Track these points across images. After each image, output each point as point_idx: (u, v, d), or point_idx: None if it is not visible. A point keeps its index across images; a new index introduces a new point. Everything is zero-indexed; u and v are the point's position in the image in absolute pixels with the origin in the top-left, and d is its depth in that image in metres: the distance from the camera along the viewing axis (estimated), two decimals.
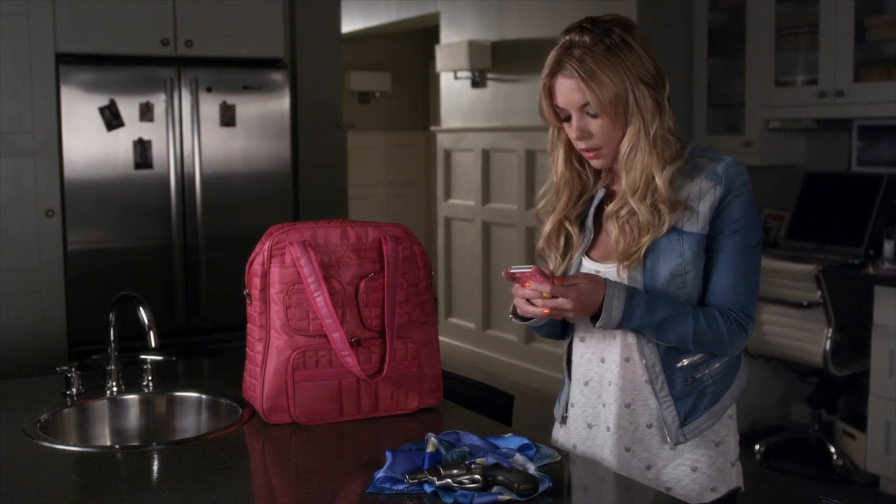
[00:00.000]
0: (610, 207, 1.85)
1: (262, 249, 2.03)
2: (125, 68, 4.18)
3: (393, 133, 9.09)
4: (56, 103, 4.07)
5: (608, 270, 1.84)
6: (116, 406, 2.26)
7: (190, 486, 1.73)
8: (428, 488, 1.60)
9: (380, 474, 1.64)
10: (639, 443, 1.86)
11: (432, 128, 7.34)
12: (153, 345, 2.18)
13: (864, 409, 4.20)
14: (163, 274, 4.28)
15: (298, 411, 2.01)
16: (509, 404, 2.26)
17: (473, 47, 6.20)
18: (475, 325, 6.60)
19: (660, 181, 1.77)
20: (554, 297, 1.72)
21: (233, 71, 4.36)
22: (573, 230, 1.92)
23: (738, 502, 1.93)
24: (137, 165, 4.18)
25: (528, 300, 1.77)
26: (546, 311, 1.74)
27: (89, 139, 4.12)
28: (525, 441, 1.78)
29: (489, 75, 6.34)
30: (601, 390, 1.89)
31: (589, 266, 1.88)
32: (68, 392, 2.22)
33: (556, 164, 1.92)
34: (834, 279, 4.19)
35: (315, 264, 2.00)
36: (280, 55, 4.50)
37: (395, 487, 1.62)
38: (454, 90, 6.71)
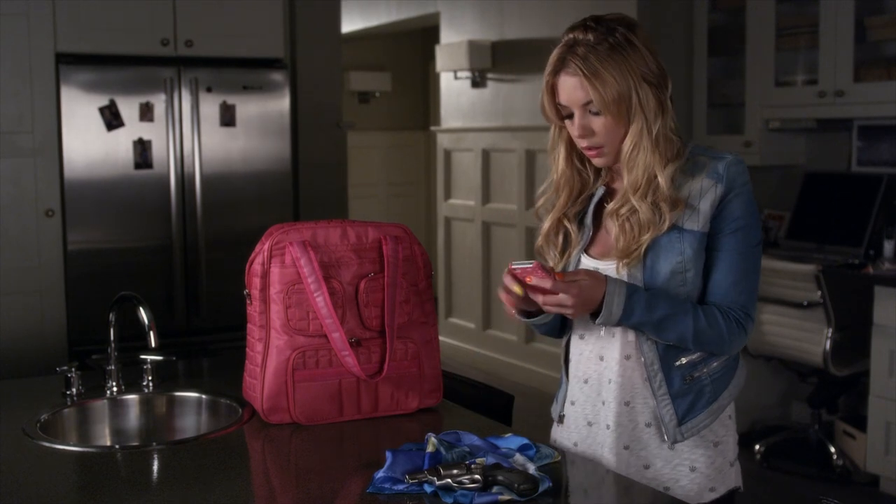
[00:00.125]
0: (610, 206, 1.85)
1: (262, 249, 2.03)
2: (125, 68, 4.19)
3: (393, 133, 9.09)
4: (56, 103, 4.07)
5: (607, 268, 1.84)
6: (116, 406, 2.26)
7: (190, 486, 1.73)
8: (428, 488, 1.60)
9: (380, 474, 1.64)
10: (637, 441, 1.86)
11: (432, 128, 7.34)
12: (153, 345, 2.18)
13: (864, 409, 4.20)
14: (163, 274, 4.28)
15: (298, 411, 2.01)
16: (509, 404, 2.26)
17: (473, 47, 6.20)
18: (475, 325, 6.60)
19: (662, 180, 1.77)
20: (555, 292, 1.72)
21: (233, 71, 4.36)
22: (572, 228, 1.92)
23: (737, 502, 1.93)
24: (137, 165, 4.19)
25: (528, 297, 1.77)
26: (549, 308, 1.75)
27: (89, 139, 4.12)
28: (525, 441, 1.78)
29: (489, 75, 6.35)
30: (600, 388, 1.89)
31: (588, 263, 1.88)
32: (68, 392, 2.22)
33: (557, 162, 1.92)
34: (834, 279, 4.19)
35: (315, 264, 2.00)
36: (280, 55, 4.50)
37: (395, 487, 1.62)
38: (454, 90, 6.72)
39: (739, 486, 1.92)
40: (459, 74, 6.54)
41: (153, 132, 4.21)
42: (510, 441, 1.78)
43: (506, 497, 1.57)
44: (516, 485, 1.57)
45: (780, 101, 4.80)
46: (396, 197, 9.13)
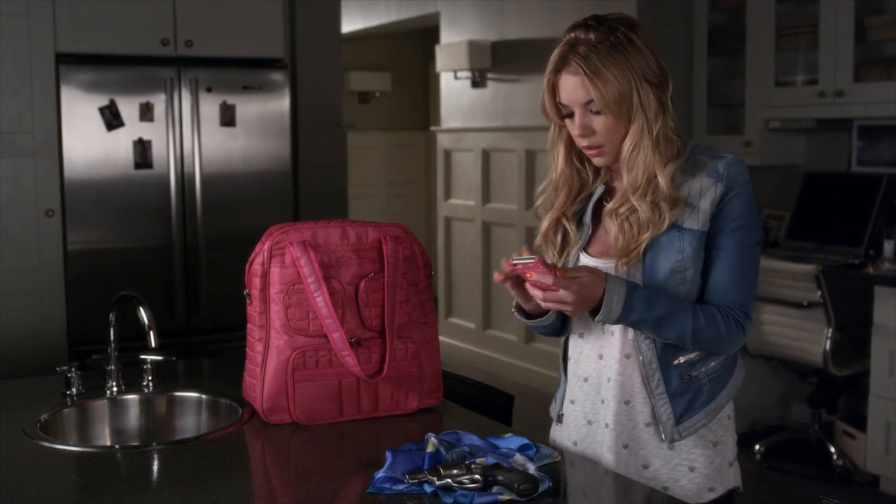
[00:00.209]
0: (610, 205, 1.85)
1: (262, 249, 2.03)
2: (125, 68, 4.19)
3: (393, 133, 9.09)
4: (56, 103, 4.08)
5: (606, 266, 1.84)
6: (116, 406, 2.26)
7: (190, 486, 1.73)
8: (428, 488, 1.60)
9: (380, 474, 1.64)
10: (636, 441, 1.86)
11: (432, 128, 7.34)
12: (153, 345, 2.18)
13: (864, 409, 4.20)
14: (163, 274, 4.28)
15: (298, 411, 2.01)
16: (509, 404, 2.26)
17: (473, 47, 6.20)
18: (475, 325, 6.60)
19: (662, 179, 1.78)
20: (555, 289, 1.72)
21: (233, 71, 4.36)
22: (570, 227, 1.92)
23: (736, 502, 1.93)
24: (137, 165, 4.19)
25: (525, 292, 1.77)
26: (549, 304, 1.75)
27: (89, 139, 4.12)
28: (525, 441, 1.78)
29: (489, 75, 6.35)
30: (600, 386, 1.89)
31: (586, 262, 1.88)
32: (68, 392, 2.22)
33: (556, 162, 1.92)
34: (834, 279, 4.19)
35: (315, 264, 2.00)
36: (280, 55, 4.50)
37: (395, 487, 1.62)
38: (454, 90, 6.72)
39: (738, 486, 1.92)
40: (459, 74, 6.54)
41: (153, 132, 4.21)
42: (510, 441, 1.78)
43: (506, 497, 1.57)
44: (516, 485, 1.57)
45: (780, 101, 4.80)
46: (396, 197, 9.13)
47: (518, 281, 1.80)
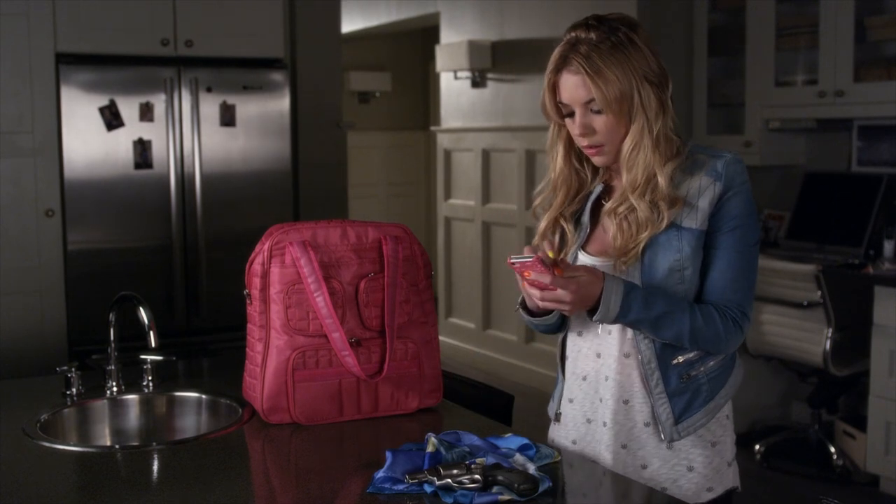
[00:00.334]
0: (609, 204, 1.85)
1: (262, 249, 2.03)
2: (125, 68, 4.19)
3: (393, 133, 9.09)
4: (56, 103, 4.08)
5: (604, 265, 1.84)
6: (116, 406, 2.26)
7: (190, 486, 1.73)
8: (428, 488, 1.60)
9: (380, 474, 1.64)
10: (635, 440, 1.86)
11: (432, 128, 7.34)
12: (153, 345, 2.18)
13: (864, 409, 4.20)
14: (163, 274, 4.28)
15: (298, 411, 2.01)
16: (509, 404, 2.26)
17: (473, 47, 6.20)
18: (475, 325, 6.60)
19: (661, 179, 1.78)
20: (553, 288, 1.72)
21: (233, 71, 4.36)
22: (568, 227, 1.92)
23: (735, 502, 1.93)
24: (137, 165, 4.19)
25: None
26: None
27: (89, 139, 4.12)
28: (525, 441, 1.78)
29: (489, 75, 6.35)
30: (598, 385, 1.89)
31: (585, 260, 1.88)
32: (68, 392, 2.22)
33: (555, 161, 1.92)
34: (834, 279, 4.19)
35: (315, 264, 2.00)
36: (280, 55, 4.50)
37: (395, 487, 1.62)
38: (454, 90, 6.72)
39: (737, 487, 1.92)
40: (459, 74, 6.54)
41: (153, 132, 4.21)
42: (510, 441, 1.78)
43: (506, 497, 1.57)
44: (516, 485, 1.57)
45: (780, 101, 4.80)
46: (396, 197, 9.13)
47: None
